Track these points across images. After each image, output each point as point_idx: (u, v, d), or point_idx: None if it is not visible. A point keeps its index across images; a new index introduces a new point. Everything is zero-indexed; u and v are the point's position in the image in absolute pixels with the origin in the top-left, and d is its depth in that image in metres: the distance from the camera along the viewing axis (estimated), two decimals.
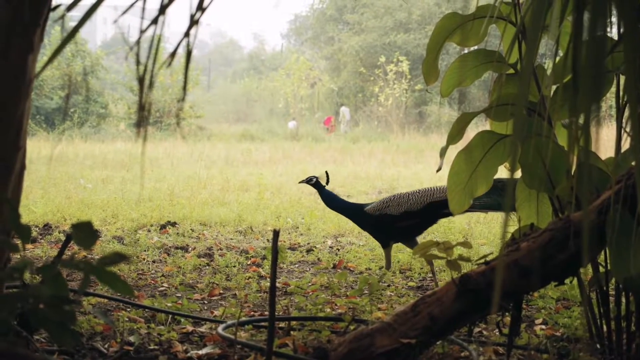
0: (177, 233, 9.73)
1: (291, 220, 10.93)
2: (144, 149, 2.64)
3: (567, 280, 3.76)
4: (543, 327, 5.17)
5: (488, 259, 3.79)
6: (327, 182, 7.21)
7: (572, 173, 3.93)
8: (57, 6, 3.20)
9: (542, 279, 3.64)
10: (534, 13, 2.12)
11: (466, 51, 4.79)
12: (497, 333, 4.85)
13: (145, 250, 8.40)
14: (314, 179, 7.19)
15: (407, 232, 7.07)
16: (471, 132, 4.59)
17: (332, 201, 7.20)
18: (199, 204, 12.31)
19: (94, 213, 11.14)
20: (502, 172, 4.83)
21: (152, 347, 4.56)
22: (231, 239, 9.57)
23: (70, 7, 2.87)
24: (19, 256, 6.01)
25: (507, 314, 3.86)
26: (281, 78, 47.18)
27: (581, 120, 2.21)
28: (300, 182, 7.49)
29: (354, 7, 49.31)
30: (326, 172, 7.27)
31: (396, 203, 6.97)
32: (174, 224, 10.32)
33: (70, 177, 16.04)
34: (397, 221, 6.96)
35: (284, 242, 9.29)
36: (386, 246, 7.15)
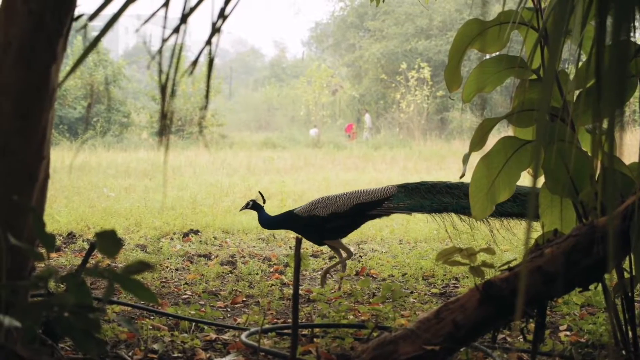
0: (200, 241, 9.76)
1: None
2: (166, 157, 2.66)
3: (591, 286, 3.74)
4: (567, 333, 5.14)
5: (511, 265, 3.77)
6: (264, 202, 7.25)
7: (596, 178, 3.91)
8: (80, 16, 3.22)
9: (566, 285, 3.62)
10: (557, 18, 2.12)
11: (487, 57, 4.78)
12: (521, 339, 4.82)
13: (168, 258, 8.42)
14: (251, 203, 7.23)
15: (334, 232, 7.12)
16: (493, 138, 4.57)
17: (265, 222, 7.28)
18: (221, 211, 12.33)
19: (117, 221, 11.19)
20: (525, 178, 4.81)
21: (175, 354, 4.57)
22: (254, 246, 9.59)
23: (92, 17, 2.89)
24: (42, 265, 6.05)
25: (531, 320, 3.84)
26: (302, 85, 47.22)
27: (605, 126, 2.20)
28: (241, 210, 7.52)
29: (375, 14, 49.28)
30: (260, 192, 7.31)
31: (324, 205, 7.06)
32: (196, 232, 10.34)
33: (93, 186, 16.12)
34: (326, 222, 7.03)
35: (307, 249, 9.29)
36: (320, 244, 7.32)
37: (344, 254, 7.10)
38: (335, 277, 7.68)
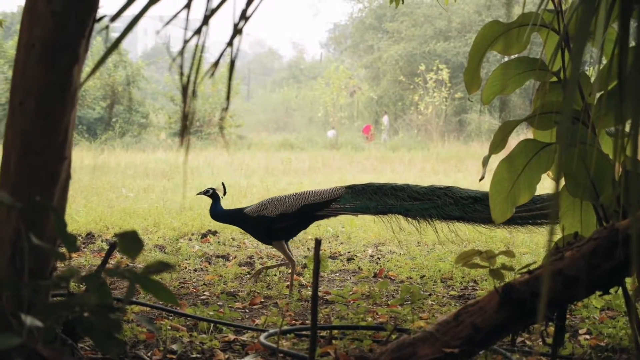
0: (218, 242, 9.77)
1: (331, 229, 10.93)
2: (186, 158, 2.66)
3: (611, 290, 3.72)
4: (587, 337, 5.12)
5: (531, 268, 3.76)
6: (225, 194, 7.24)
7: (618, 181, 3.89)
8: (102, 17, 3.23)
9: (586, 289, 3.60)
10: (581, 20, 2.11)
11: (506, 59, 4.77)
12: (541, 343, 4.81)
13: (186, 259, 8.44)
14: (211, 190, 7.22)
15: (283, 232, 7.14)
16: (512, 140, 4.55)
17: (216, 213, 7.27)
18: None
19: (135, 222, 11.22)
20: (545, 181, 4.79)
21: (194, 355, 4.58)
22: (271, 247, 9.59)
23: (114, 18, 2.90)
24: (62, 264, 6.07)
25: (550, 323, 3.83)
26: (320, 87, 47.18)
27: (627, 128, 2.19)
28: (198, 194, 7.50)
29: (393, 15, 49.19)
30: (222, 184, 7.30)
31: (273, 205, 7.11)
32: (214, 233, 10.36)
33: (112, 186, 16.17)
34: (274, 222, 7.06)
35: (325, 250, 9.29)
36: (269, 244, 7.32)
37: (288, 262, 7.15)
38: (353, 279, 7.67)
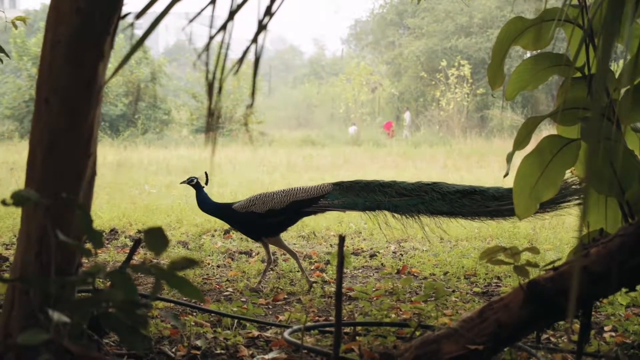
0: (241, 238, 9.79)
1: (354, 225, 10.92)
2: (213, 154, 2.67)
3: (637, 287, 3.70)
4: (613, 334, 5.08)
5: (556, 264, 3.74)
6: (207, 183, 7.23)
7: None
8: (126, 14, 3.24)
9: (612, 285, 3.58)
10: (609, 16, 2.09)
11: (528, 54, 4.75)
12: (565, 340, 4.79)
13: (209, 255, 8.47)
14: (195, 180, 7.21)
15: (272, 228, 7.15)
16: (535, 136, 4.53)
17: (204, 204, 7.24)
18: None
19: (158, 218, 11.26)
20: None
21: (218, 351, 4.59)
22: (294, 244, 9.60)
23: (139, 15, 2.91)
24: (86, 260, 6.10)
25: (575, 320, 3.81)
26: (342, 83, 47.16)
27: None
28: (181, 183, 7.49)
29: (414, 11, 49.08)
30: (205, 173, 7.29)
31: (261, 201, 7.11)
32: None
33: (135, 182, 16.23)
34: (262, 218, 7.06)
35: (347, 247, 9.29)
36: (257, 240, 7.30)
37: (267, 257, 7.20)
38: (376, 275, 7.67)
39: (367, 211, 7.02)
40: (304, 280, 6.95)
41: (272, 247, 7.35)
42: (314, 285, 6.97)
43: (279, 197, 7.08)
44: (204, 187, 7.19)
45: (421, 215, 6.87)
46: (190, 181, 7.20)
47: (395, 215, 6.95)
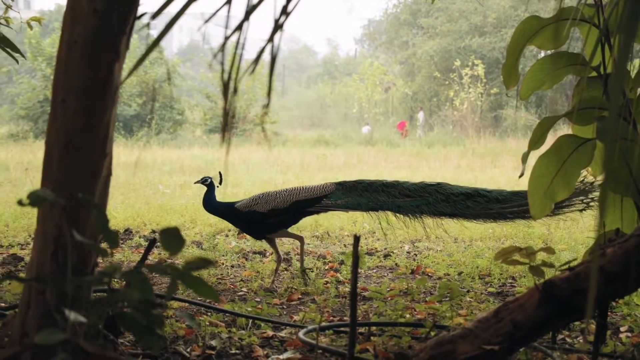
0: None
1: (367, 226, 10.91)
2: (227, 154, 2.67)
3: None
4: (629, 334, 5.07)
5: (572, 264, 3.73)
6: (220, 183, 7.23)
7: None
8: (142, 15, 3.25)
9: (628, 285, 3.57)
10: (626, 16, 2.08)
11: (542, 54, 4.73)
12: (581, 340, 4.78)
13: (223, 255, 8.48)
14: (209, 179, 7.21)
15: (274, 228, 7.15)
16: (549, 136, 4.51)
17: (209, 203, 7.24)
18: None
19: (172, 218, 11.28)
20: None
21: (233, 351, 4.59)
22: (308, 244, 9.60)
23: (155, 15, 2.91)
24: (101, 260, 6.11)
25: (591, 320, 3.80)
26: (355, 83, 47.13)
27: None
28: (195, 183, 7.47)
29: (428, 11, 49.04)
30: (220, 173, 7.28)
31: (264, 201, 7.10)
32: None
33: (149, 182, 16.26)
34: (265, 218, 7.05)
35: (361, 247, 9.28)
36: (260, 239, 7.29)
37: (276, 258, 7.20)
38: (390, 275, 7.66)
39: (370, 211, 7.03)
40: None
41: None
42: (328, 285, 6.97)
43: (282, 197, 7.08)
44: (217, 187, 7.20)
45: (424, 216, 6.88)
46: (205, 181, 7.21)
47: (399, 215, 6.96)
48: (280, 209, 7.05)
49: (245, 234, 7.49)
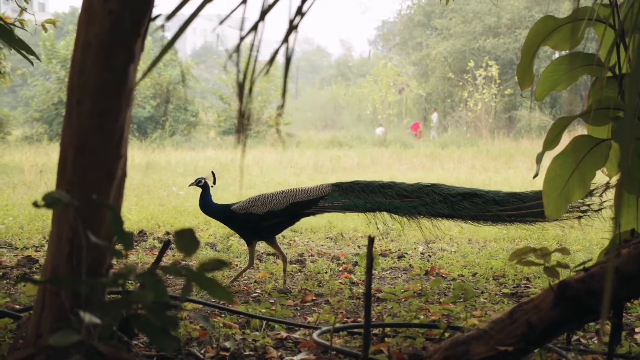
0: None
1: (381, 227, 10.90)
2: (243, 155, 2.67)
3: None
4: None
5: (587, 265, 3.72)
6: (214, 183, 7.20)
7: None
8: (157, 16, 3.26)
9: None
10: None
11: (557, 55, 4.72)
12: (596, 341, 4.76)
13: (237, 257, 8.48)
14: (202, 180, 7.19)
15: (270, 230, 7.17)
16: (565, 137, 4.50)
17: (206, 205, 7.23)
18: None
19: (186, 220, 11.29)
20: (599, 176, 4.73)
21: (247, 352, 4.60)
22: (322, 245, 9.60)
23: (169, 17, 2.92)
24: (115, 262, 6.13)
25: (606, 321, 3.78)
26: (369, 84, 47.06)
27: None
28: (190, 185, 7.44)
29: (442, 12, 48.96)
30: (212, 173, 7.26)
31: (261, 203, 7.12)
32: None
33: (163, 184, 16.29)
34: (262, 220, 7.06)
35: (375, 248, 9.26)
36: (250, 244, 7.22)
37: (281, 259, 7.22)
38: (404, 276, 7.65)
39: (367, 212, 7.03)
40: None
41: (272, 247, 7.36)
42: (342, 286, 6.97)
43: (279, 199, 7.09)
44: (212, 186, 7.19)
45: (422, 217, 6.89)
46: (198, 182, 7.20)
47: (396, 216, 6.97)
48: (277, 210, 7.05)
49: (240, 236, 7.46)
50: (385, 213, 6.99)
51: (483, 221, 6.81)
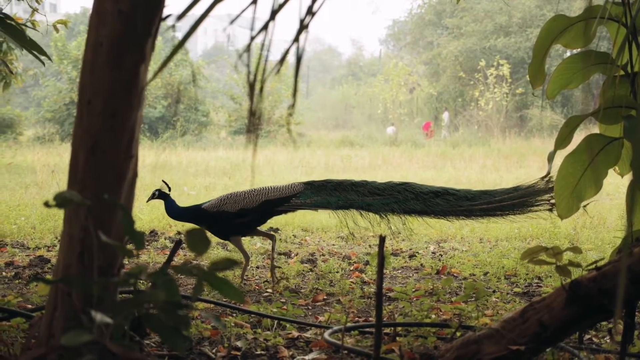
0: (280, 239, 9.80)
1: (392, 226, 10.88)
2: (254, 155, 2.67)
3: None
4: None
5: (599, 264, 3.70)
6: (169, 190, 7.18)
7: None
8: (168, 16, 3.26)
9: None
10: None
11: (568, 53, 4.71)
12: (608, 340, 4.74)
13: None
14: (157, 192, 7.18)
15: (243, 228, 7.18)
16: (576, 136, 4.49)
17: (172, 211, 7.22)
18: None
19: None
20: (612, 175, 4.72)
21: (258, 352, 4.60)
22: (333, 244, 9.60)
23: (180, 17, 2.92)
24: (127, 261, 6.14)
25: (618, 320, 3.77)
26: (380, 84, 47.03)
27: None
28: (148, 201, 7.44)
29: (453, 11, 48.89)
30: (163, 181, 7.24)
31: (233, 201, 7.13)
32: (276, 230, 10.39)
33: (174, 184, 16.25)
34: (234, 218, 7.08)
35: (386, 247, 9.25)
36: (230, 241, 7.24)
37: (244, 258, 7.22)
38: (416, 275, 7.64)
39: (339, 210, 7.08)
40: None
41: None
42: (353, 285, 6.97)
43: (251, 197, 7.10)
44: (168, 194, 7.18)
45: (395, 214, 6.94)
46: (154, 195, 7.21)
47: (369, 213, 7.02)
48: (249, 208, 7.07)
49: (212, 234, 7.47)
50: (356, 210, 7.06)
51: (455, 216, 6.90)
